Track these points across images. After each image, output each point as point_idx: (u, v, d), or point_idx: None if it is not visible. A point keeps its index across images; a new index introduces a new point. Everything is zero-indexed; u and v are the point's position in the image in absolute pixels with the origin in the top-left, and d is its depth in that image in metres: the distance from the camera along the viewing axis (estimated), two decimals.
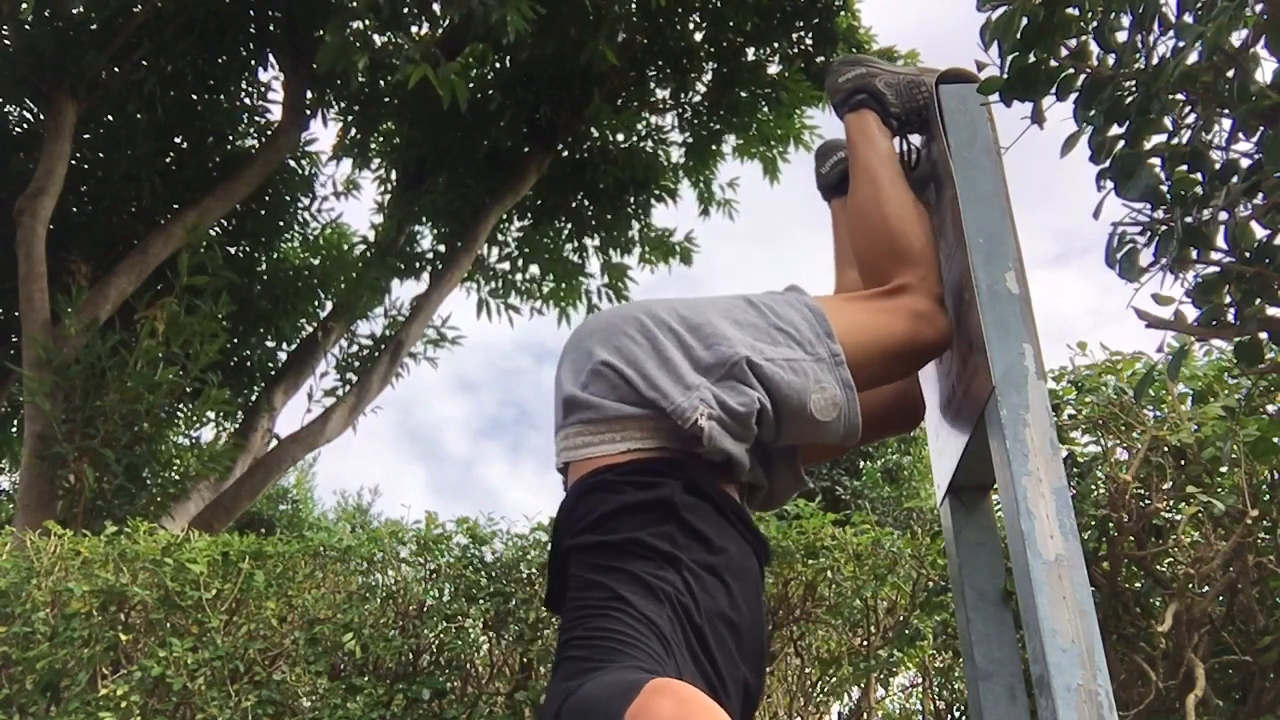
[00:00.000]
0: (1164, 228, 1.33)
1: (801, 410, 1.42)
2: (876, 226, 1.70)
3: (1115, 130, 1.37)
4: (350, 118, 8.51)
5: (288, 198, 8.74)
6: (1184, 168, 1.33)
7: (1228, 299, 1.33)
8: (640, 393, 1.40)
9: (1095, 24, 1.38)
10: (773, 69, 8.46)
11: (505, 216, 8.91)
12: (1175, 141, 1.35)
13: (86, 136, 7.63)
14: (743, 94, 8.51)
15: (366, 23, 6.01)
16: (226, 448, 7.22)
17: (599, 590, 1.28)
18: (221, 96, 8.11)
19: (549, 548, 1.45)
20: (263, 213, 8.58)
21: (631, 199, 9.01)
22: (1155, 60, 1.32)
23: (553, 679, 1.27)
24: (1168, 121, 1.35)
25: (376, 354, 8.48)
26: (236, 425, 8.05)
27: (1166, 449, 2.34)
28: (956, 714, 3.41)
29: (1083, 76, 1.39)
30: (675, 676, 1.18)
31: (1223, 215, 1.29)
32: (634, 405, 1.41)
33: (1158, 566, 2.41)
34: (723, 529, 1.37)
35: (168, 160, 8.10)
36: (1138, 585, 2.48)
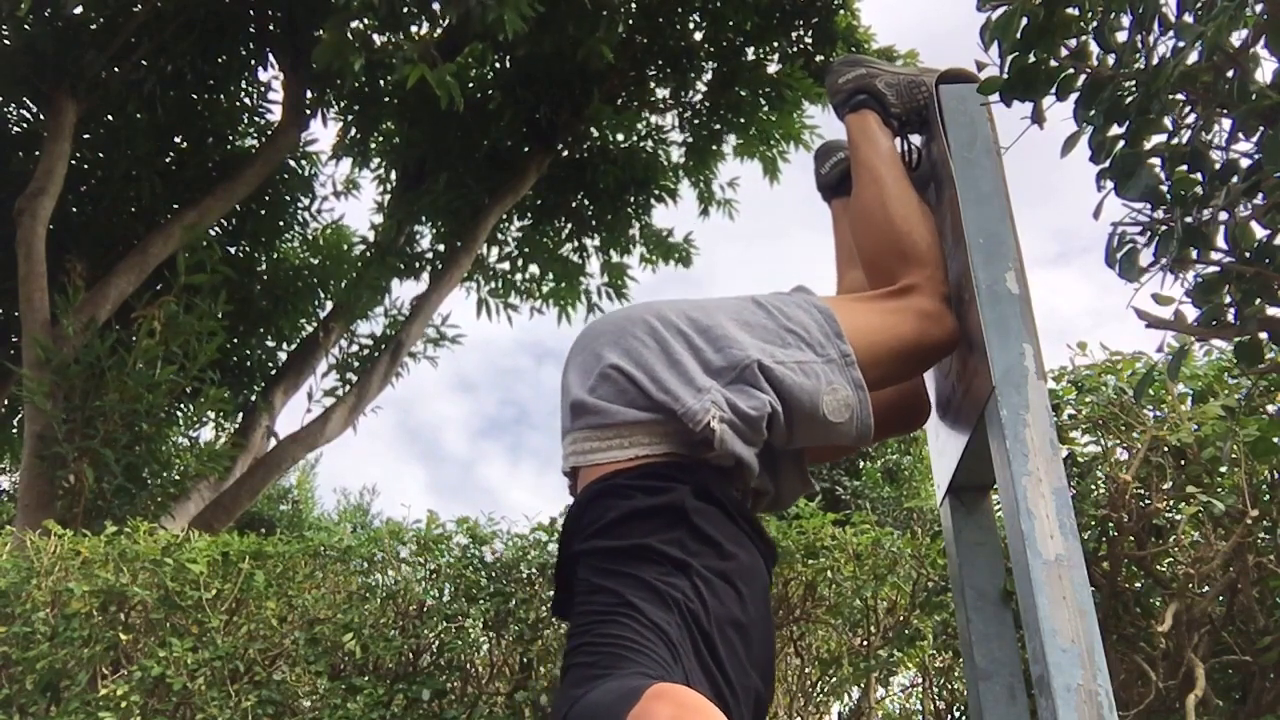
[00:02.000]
0: (1164, 228, 1.33)
1: (814, 413, 1.41)
2: (881, 226, 1.70)
3: (1115, 130, 1.37)
4: (350, 118, 8.51)
5: (288, 198, 8.74)
6: (1184, 168, 1.33)
7: (1228, 299, 1.33)
8: (650, 396, 1.39)
9: (1095, 24, 1.38)
10: (772, 68, 8.46)
11: (505, 216, 8.90)
12: (1175, 141, 1.35)
13: (86, 136, 7.62)
14: (743, 93, 8.50)
15: (366, 22, 6.01)
16: (226, 448, 7.22)
17: (607, 595, 1.26)
18: (221, 96, 8.11)
19: (557, 553, 1.45)
20: (263, 213, 8.57)
21: (631, 199, 9.01)
22: (1155, 60, 1.32)
23: (560, 685, 1.25)
24: (1168, 121, 1.35)
25: (376, 354, 8.48)
26: (236, 425, 8.05)
27: (1166, 449, 2.34)
28: (956, 714, 3.41)
29: (1083, 76, 1.39)
30: (683, 683, 1.17)
31: (1223, 215, 1.29)
32: (643, 410, 1.39)
33: (1158, 566, 2.41)
34: (733, 534, 1.36)
35: (168, 160, 8.09)
36: (1138, 585, 2.48)
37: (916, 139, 1.88)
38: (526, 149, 8.37)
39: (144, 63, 7.12)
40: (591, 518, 1.35)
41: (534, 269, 9.46)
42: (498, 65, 8.21)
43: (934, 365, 1.78)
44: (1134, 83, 1.34)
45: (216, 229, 7.84)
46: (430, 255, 8.93)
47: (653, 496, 1.33)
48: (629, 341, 1.45)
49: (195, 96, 7.92)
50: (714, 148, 9.01)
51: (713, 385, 1.38)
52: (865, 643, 3.43)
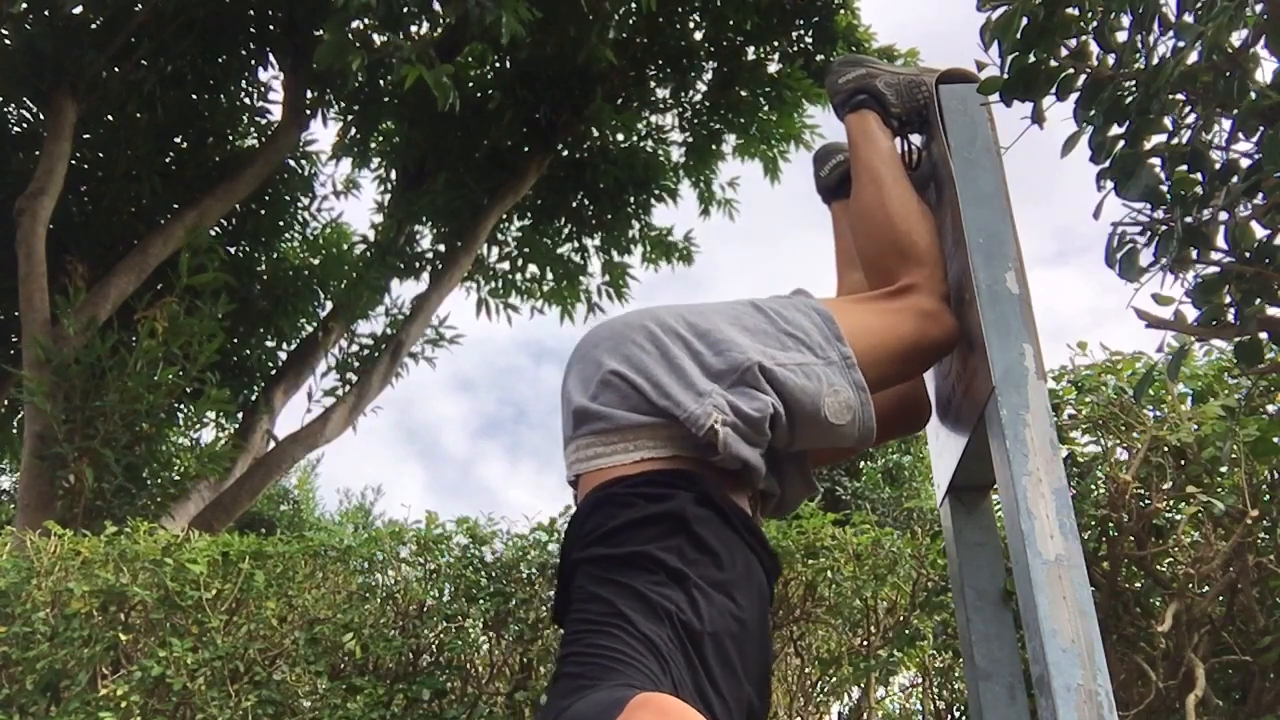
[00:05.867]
0: (1164, 228, 1.33)
1: (816, 414, 1.41)
2: (881, 226, 1.70)
3: (1115, 130, 1.37)
4: (350, 117, 8.51)
5: (288, 198, 8.74)
6: (1184, 168, 1.33)
7: (1228, 299, 1.33)
8: (652, 401, 1.38)
9: (1095, 24, 1.38)
10: (773, 68, 8.46)
11: (505, 216, 8.91)
12: (1175, 141, 1.35)
13: (86, 136, 7.62)
14: (743, 93, 8.51)
15: (366, 22, 6.01)
16: (226, 448, 7.22)
17: (600, 604, 1.25)
18: (221, 96, 8.11)
19: (558, 560, 1.43)
20: (263, 213, 8.57)
21: (631, 199, 9.01)
22: (1155, 60, 1.32)
23: (549, 694, 1.25)
24: (1168, 121, 1.35)
25: (376, 354, 8.48)
26: (236, 425, 8.05)
27: (1166, 449, 2.34)
28: (956, 714, 3.41)
29: (1083, 76, 1.39)
30: (670, 694, 1.16)
31: (1223, 215, 1.29)
32: (646, 414, 1.38)
33: (1158, 566, 2.41)
34: (732, 544, 1.34)
35: (168, 160, 8.10)
36: (1138, 585, 2.48)
37: (916, 139, 1.88)
38: (526, 149, 8.37)
39: (144, 63, 7.12)
40: (592, 525, 1.34)
41: (534, 269, 9.47)
42: (498, 65, 8.21)
43: (934, 365, 1.78)
44: (1134, 83, 1.34)
45: (216, 229, 7.84)
46: (430, 255, 8.93)
47: (654, 504, 1.32)
48: (628, 348, 1.44)
49: (195, 96, 7.93)
50: (714, 148, 9.02)
51: (714, 389, 1.37)
52: (865, 643, 3.43)
